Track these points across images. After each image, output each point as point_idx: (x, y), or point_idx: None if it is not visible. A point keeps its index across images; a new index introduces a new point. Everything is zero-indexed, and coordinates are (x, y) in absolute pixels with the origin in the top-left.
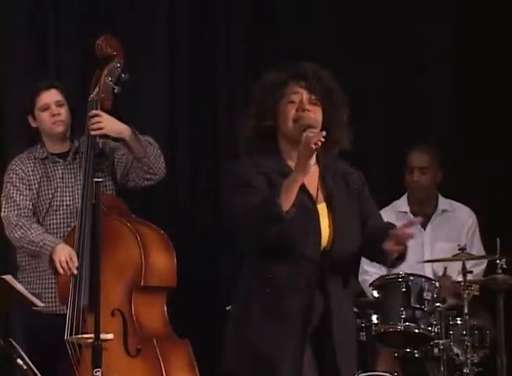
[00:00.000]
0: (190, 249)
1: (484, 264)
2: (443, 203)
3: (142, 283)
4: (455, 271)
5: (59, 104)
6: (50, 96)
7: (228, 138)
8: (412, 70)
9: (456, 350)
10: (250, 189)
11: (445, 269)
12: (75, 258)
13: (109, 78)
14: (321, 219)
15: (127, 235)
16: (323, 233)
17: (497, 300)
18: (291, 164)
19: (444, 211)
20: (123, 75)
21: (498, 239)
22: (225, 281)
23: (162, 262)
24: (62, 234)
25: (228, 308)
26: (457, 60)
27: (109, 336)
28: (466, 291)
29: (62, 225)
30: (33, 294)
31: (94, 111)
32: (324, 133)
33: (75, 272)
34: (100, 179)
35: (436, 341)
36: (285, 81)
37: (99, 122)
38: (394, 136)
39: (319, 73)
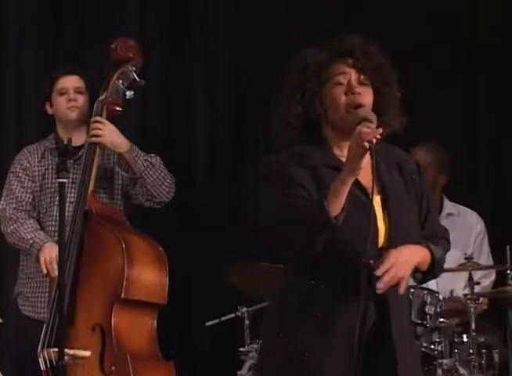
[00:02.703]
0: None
1: (493, 275)
2: (448, 206)
3: (122, 295)
4: (461, 283)
5: (78, 91)
6: (70, 81)
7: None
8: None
9: (461, 371)
10: (294, 189)
11: (452, 291)
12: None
13: (121, 81)
14: (378, 218)
15: (112, 243)
16: (379, 231)
17: (507, 315)
18: (339, 154)
19: (449, 214)
20: (137, 80)
21: (508, 247)
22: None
23: (150, 276)
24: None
25: (208, 323)
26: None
27: (87, 353)
28: (473, 305)
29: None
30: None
31: (97, 118)
32: (381, 130)
33: (55, 274)
34: (64, 180)
35: (440, 360)
36: (329, 61)
37: (99, 129)
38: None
39: (367, 48)
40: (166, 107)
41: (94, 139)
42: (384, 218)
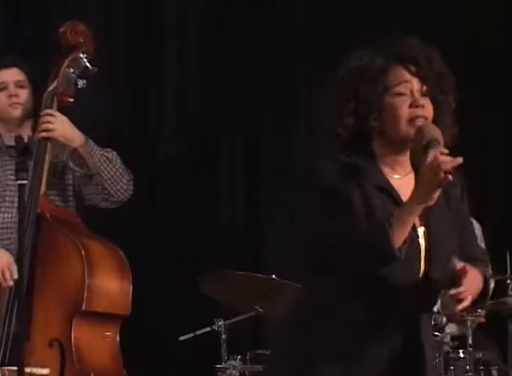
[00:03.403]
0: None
1: (491, 284)
2: None
3: (83, 307)
4: None
5: (19, 85)
6: (9, 75)
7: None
8: None
9: None
10: (348, 209)
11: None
12: (14, 268)
13: (72, 69)
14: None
15: (70, 250)
16: (421, 261)
17: (507, 328)
18: (388, 171)
19: None
20: (90, 67)
21: (508, 254)
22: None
23: (112, 285)
24: (12, 240)
25: (181, 338)
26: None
27: (45, 371)
28: (471, 318)
29: (10, 231)
30: None
31: (47, 110)
32: (461, 159)
33: (11, 283)
34: (24, 181)
35: None
36: (390, 66)
37: (50, 123)
38: None
39: (429, 53)
40: (133, 102)
41: (45, 134)
42: (425, 244)
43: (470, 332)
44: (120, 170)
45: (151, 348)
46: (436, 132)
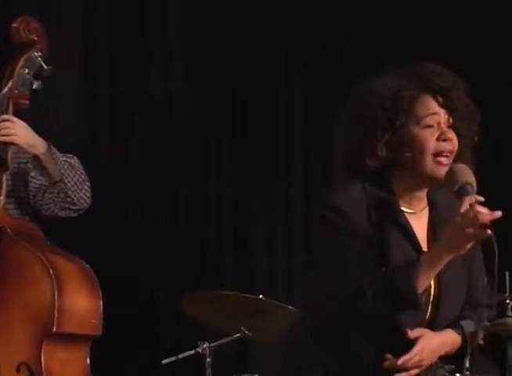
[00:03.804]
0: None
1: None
2: None
3: (54, 329)
4: None
5: None
6: None
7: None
8: None
9: None
10: (368, 251)
11: None
12: None
13: (26, 70)
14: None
15: (36, 268)
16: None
17: (507, 351)
18: (405, 207)
19: None
20: (45, 67)
21: (507, 273)
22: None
23: (83, 304)
24: None
25: (164, 361)
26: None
27: None
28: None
29: None
30: None
31: (5, 116)
32: (500, 213)
33: None
34: None
35: None
36: (420, 97)
37: (10, 128)
38: None
39: (458, 84)
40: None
41: (6, 139)
42: (434, 287)
43: (467, 354)
44: (83, 176)
45: (131, 372)
46: (469, 176)
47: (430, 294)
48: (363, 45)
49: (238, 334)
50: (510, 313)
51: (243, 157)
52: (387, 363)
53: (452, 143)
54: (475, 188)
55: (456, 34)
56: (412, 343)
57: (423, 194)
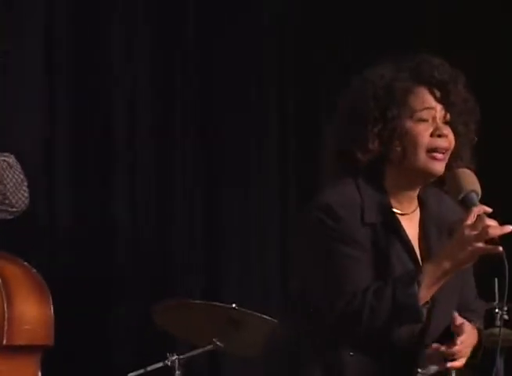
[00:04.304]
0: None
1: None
2: None
3: (4, 342)
4: None
5: None
6: None
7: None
8: None
9: None
10: (363, 259)
11: None
12: None
13: None
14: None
15: None
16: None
17: (495, 363)
18: (396, 207)
19: None
20: None
21: (496, 280)
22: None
23: (33, 313)
24: None
25: (131, 375)
26: None
27: None
28: None
29: None
30: None
31: None
32: (511, 228)
33: None
34: None
35: None
36: (415, 89)
37: None
38: None
39: (457, 78)
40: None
41: None
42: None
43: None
44: (22, 176)
45: None
46: (474, 182)
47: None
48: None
49: (210, 346)
50: (498, 323)
51: (215, 163)
52: (436, 349)
53: (448, 140)
54: (480, 195)
55: (457, 34)
56: (404, 353)
57: (414, 194)
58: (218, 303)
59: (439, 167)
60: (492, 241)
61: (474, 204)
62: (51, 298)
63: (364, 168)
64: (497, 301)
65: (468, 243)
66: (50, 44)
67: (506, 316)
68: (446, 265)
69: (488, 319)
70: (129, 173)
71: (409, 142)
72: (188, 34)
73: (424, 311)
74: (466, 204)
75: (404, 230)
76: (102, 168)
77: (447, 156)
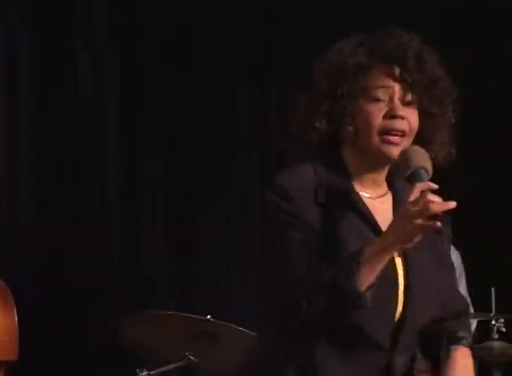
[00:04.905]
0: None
1: (473, 325)
2: None
3: None
4: None
5: None
6: None
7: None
8: None
9: None
10: (314, 241)
11: None
12: None
13: None
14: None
15: None
16: (398, 302)
17: None
18: (360, 189)
19: None
20: None
21: (493, 290)
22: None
23: None
24: None
25: None
26: None
27: None
28: None
29: None
30: None
31: None
32: (455, 203)
33: None
34: None
35: None
36: (369, 66)
37: None
38: None
39: (422, 54)
40: None
41: None
42: (404, 283)
43: None
44: None
45: None
46: (424, 159)
47: (397, 289)
48: None
49: (182, 361)
50: (495, 336)
51: (189, 175)
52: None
53: (405, 122)
54: (430, 174)
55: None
56: (380, 344)
57: (380, 177)
58: (191, 315)
59: (393, 151)
60: (435, 218)
61: (421, 181)
62: (15, 307)
63: (323, 149)
64: (494, 313)
65: (409, 219)
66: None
67: (503, 329)
68: (387, 243)
69: (485, 332)
70: (102, 185)
71: (361, 122)
72: None
73: (369, 294)
74: (412, 181)
75: (368, 210)
76: (74, 181)
77: (406, 139)
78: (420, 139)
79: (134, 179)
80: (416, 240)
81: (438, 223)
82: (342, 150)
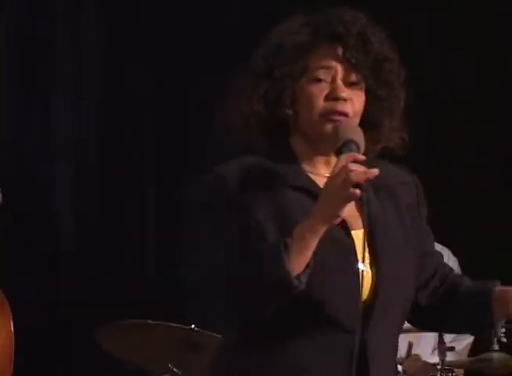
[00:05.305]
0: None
1: (470, 336)
2: None
3: None
4: (427, 348)
5: None
6: None
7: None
8: None
9: None
10: (244, 225)
11: (410, 345)
12: None
13: None
14: (360, 259)
15: None
16: (364, 281)
17: None
18: (310, 170)
19: None
20: None
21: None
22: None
23: None
24: None
25: None
26: None
27: None
28: None
29: None
30: None
31: None
32: (377, 171)
33: None
34: None
35: None
36: (310, 45)
37: None
38: None
39: (366, 31)
40: None
41: None
42: (370, 263)
43: None
44: None
45: None
46: (354, 132)
47: (360, 274)
48: None
49: (165, 374)
50: (495, 348)
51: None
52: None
53: (348, 104)
54: (362, 148)
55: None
56: (348, 330)
57: (330, 159)
58: (174, 324)
59: None
60: (359, 187)
61: (346, 152)
62: (12, 323)
63: (266, 135)
64: None
65: (332, 193)
66: None
67: (504, 339)
68: (314, 222)
69: (484, 343)
70: (75, 197)
71: (301, 104)
72: None
73: (304, 277)
74: (341, 154)
75: (317, 189)
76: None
77: (351, 121)
78: (368, 122)
79: (112, 193)
80: (340, 214)
81: (357, 191)
82: (288, 133)
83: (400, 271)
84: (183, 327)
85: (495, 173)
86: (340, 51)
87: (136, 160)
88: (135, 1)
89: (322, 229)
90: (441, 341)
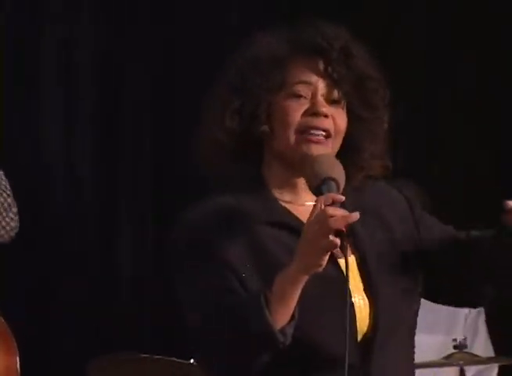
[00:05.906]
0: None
1: (495, 371)
2: None
3: None
4: None
5: None
6: None
7: None
8: None
9: None
10: (224, 274)
11: None
12: None
13: None
14: (353, 292)
15: None
16: (359, 315)
17: None
18: (288, 199)
19: None
20: None
21: None
22: None
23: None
24: None
25: None
26: None
27: None
28: None
29: None
30: None
31: None
32: (358, 215)
33: None
34: None
35: None
36: (289, 58)
37: None
38: None
39: (349, 46)
40: None
41: None
42: (363, 295)
43: None
44: (10, 200)
45: None
46: (333, 168)
47: (353, 307)
48: None
49: None
50: None
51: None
52: None
53: (329, 121)
54: (342, 184)
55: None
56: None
57: (301, 183)
58: (172, 358)
59: (314, 150)
60: (340, 234)
61: (325, 193)
62: (17, 349)
63: (238, 155)
64: None
65: (310, 240)
66: None
67: None
68: (295, 272)
69: None
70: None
71: (277, 120)
72: None
73: (290, 329)
74: (318, 193)
75: (299, 220)
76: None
77: (331, 141)
78: (348, 145)
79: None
80: (323, 263)
81: (338, 241)
82: (262, 158)
83: (397, 295)
84: (182, 361)
85: (496, 173)
86: (321, 65)
87: (135, 160)
88: (135, 1)
89: (304, 279)
90: None
